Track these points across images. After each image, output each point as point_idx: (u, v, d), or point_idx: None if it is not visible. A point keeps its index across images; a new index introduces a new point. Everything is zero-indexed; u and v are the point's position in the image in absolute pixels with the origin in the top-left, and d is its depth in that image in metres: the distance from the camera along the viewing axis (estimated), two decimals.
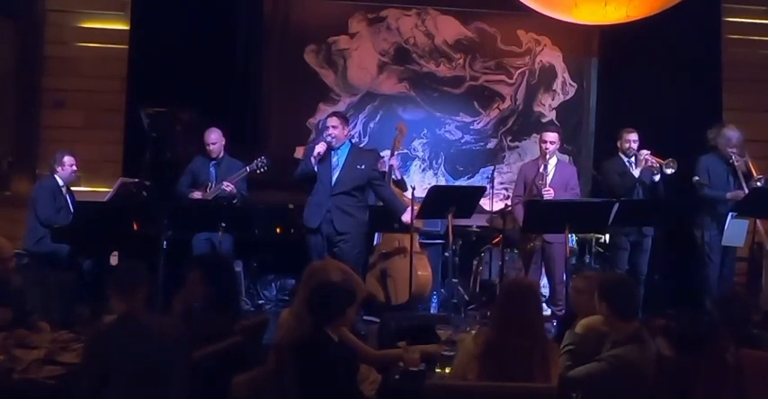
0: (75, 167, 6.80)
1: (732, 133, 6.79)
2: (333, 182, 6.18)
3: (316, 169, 6.19)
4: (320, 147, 6.17)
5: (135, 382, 3.28)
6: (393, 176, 6.99)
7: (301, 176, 6.30)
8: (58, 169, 6.75)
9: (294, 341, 3.67)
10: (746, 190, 6.55)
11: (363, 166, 6.24)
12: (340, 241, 6.18)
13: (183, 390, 3.39)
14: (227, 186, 6.67)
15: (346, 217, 6.18)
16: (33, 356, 3.77)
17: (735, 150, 6.71)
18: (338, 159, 6.24)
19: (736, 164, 6.67)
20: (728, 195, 6.67)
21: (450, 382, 3.56)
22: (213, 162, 6.91)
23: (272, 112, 8.19)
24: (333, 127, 6.24)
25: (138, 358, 3.31)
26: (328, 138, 6.21)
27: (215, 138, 6.85)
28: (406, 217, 6.22)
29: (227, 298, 4.05)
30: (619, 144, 6.83)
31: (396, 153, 7.09)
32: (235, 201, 6.73)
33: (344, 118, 6.52)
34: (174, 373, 3.39)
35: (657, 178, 6.60)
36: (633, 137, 6.76)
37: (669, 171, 6.52)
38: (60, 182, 6.75)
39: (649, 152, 6.63)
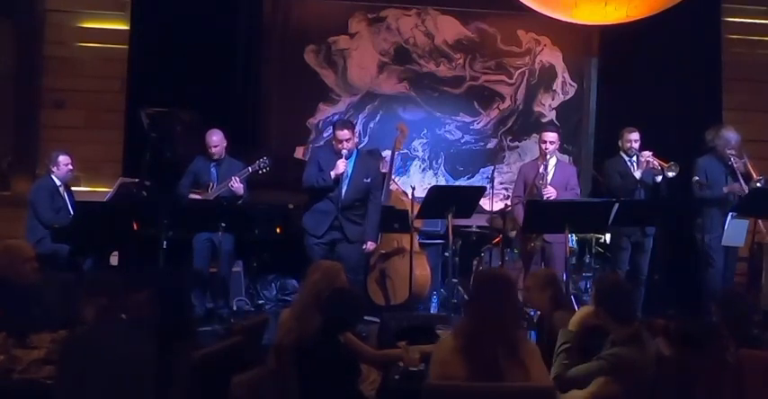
0: (70, 166, 6.80)
1: (731, 134, 6.78)
2: (342, 195, 6.19)
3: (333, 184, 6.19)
4: (343, 167, 6.12)
5: (107, 387, 3.28)
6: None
7: (314, 189, 6.26)
8: (54, 169, 6.76)
9: (298, 342, 3.67)
10: (746, 190, 6.57)
11: (369, 179, 6.27)
12: (344, 245, 6.20)
13: (153, 394, 3.40)
14: (235, 183, 6.60)
15: (355, 226, 6.24)
16: (33, 356, 3.77)
17: (733, 152, 6.71)
18: (347, 169, 6.22)
19: (734, 165, 6.67)
20: (726, 189, 6.68)
21: (449, 382, 3.55)
22: (214, 162, 6.88)
23: (272, 112, 8.19)
24: (346, 140, 6.17)
25: (109, 363, 3.31)
26: (344, 152, 6.15)
27: (217, 141, 6.82)
28: (368, 246, 6.29)
29: (178, 325, 3.65)
30: (620, 143, 6.83)
31: (396, 153, 7.10)
32: (240, 201, 6.72)
33: (353, 126, 6.50)
34: (147, 378, 3.39)
35: (659, 179, 6.60)
36: (635, 136, 6.75)
37: (671, 174, 6.52)
38: (57, 182, 6.76)
39: (651, 153, 6.63)
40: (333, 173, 6.11)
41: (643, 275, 6.73)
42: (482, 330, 3.18)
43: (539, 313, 4.55)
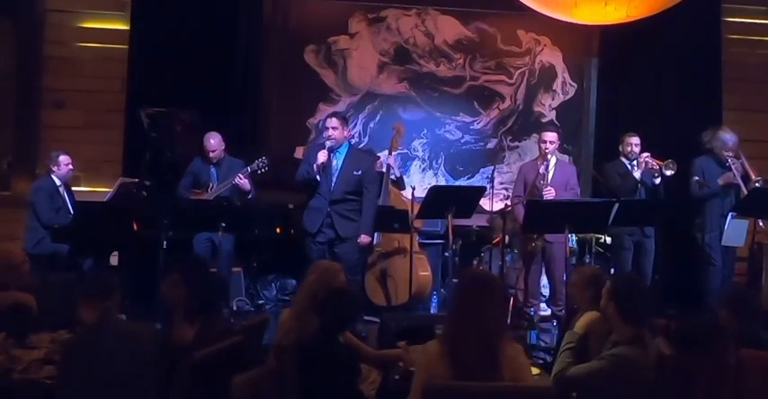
0: (71, 166, 6.81)
1: (728, 136, 6.78)
2: (331, 189, 6.20)
3: (318, 177, 6.20)
4: (323, 157, 6.14)
5: (109, 388, 3.29)
6: (392, 175, 6.99)
7: (303, 182, 6.33)
8: (54, 169, 6.76)
9: (298, 341, 3.67)
10: (745, 191, 6.57)
11: (360, 172, 6.27)
12: (340, 244, 6.20)
13: (155, 394, 3.41)
14: (240, 179, 6.57)
15: (347, 222, 6.23)
16: (33, 356, 3.77)
17: (730, 154, 6.71)
18: (337, 163, 6.24)
19: (732, 166, 6.66)
20: (720, 181, 6.68)
21: (448, 382, 3.55)
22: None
23: (272, 112, 8.18)
24: (333, 128, 6.24)
25: (111, 364, 3.32)
26: (328, 143, 6.19)
27: (215, 145, 6.80)
28: (362, 240, 6.27)
29: (208, 302, 3.91)
30: (620, 148, 6.84)
31: (393, 153, 7.10)
32: (249, 196, 6.71)
33: (344, 118, 6.53)
34: (148, 377, 3.40)
35: (658, 181, 6.60)
36: (635, 140, 6.77)
37: (669, 172, 6.53)
38: (57, 182, 6.76)
39: (649, 154, 6.64)
40: (315, 165, 6.15)
41: (647, 277, 6.71)
42: (464, 333, 3.14)
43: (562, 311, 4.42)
